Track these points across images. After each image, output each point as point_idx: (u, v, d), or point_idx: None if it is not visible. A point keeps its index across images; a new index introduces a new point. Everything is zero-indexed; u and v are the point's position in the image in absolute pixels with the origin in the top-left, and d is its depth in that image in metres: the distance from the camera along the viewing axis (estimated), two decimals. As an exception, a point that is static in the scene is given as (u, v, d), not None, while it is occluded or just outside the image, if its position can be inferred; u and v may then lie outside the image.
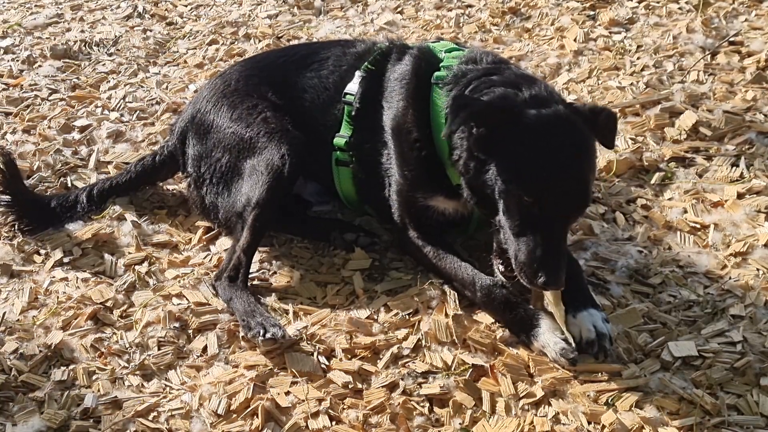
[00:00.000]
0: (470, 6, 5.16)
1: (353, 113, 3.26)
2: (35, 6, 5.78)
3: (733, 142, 3.68)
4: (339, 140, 3.28)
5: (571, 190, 2.62)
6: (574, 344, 2.65)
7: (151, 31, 5.32)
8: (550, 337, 2.68)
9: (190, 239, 3.46)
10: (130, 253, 3.38)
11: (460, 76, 2.96)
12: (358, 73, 3.29)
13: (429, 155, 3.00)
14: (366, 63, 3.30)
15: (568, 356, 2.63)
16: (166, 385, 2.78)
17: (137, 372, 2.83)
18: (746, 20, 4.59)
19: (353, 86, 3.27)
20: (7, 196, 3.51)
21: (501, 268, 2.77)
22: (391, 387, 2.68)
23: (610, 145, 2.81)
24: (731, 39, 4.39)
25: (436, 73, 3.04)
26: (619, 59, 4.37)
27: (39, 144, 4.11)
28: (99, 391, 2.75)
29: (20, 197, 3.53)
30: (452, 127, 2.70)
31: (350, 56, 3.42)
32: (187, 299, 3.10)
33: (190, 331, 2.98)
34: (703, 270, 3.07)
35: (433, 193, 3.04)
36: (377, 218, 3.42)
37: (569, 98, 4.06)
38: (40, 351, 2.91)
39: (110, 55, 5.05)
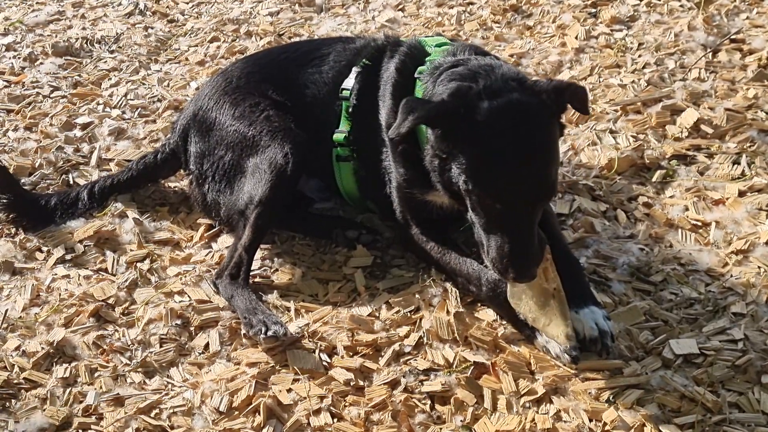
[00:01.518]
0: (471, 3, 5.15)
1: (350, 109, 3.26)
2: (37, 3, 5.78)
3: (735, 139, 3.68)
4: (338, 136, 3.28)
5: (530, 182, 2.57)
6: (577, 343, 2.65)
7: (152, 28, 5.32)
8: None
9: (192, 236, 3.46)
10: (131, 250, 3.39)
11: (435, 69, 2.94)
12: (354, 69, 3.30)
13: (413, 150, 2.97)
14: (362, 59, 3.30)
15: (572, 353, 2.63)
16: (168, 382, 2.79)
17: (139, 369, 2.84)
18: (747, 18, 4.58)
19: (350, 82, 3.28)
20: (6, 199, 3.51)
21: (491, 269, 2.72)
22: (393, 384, 2.68)
23: (585, 112, 2.78)
24: (733, 37, 4.38)
25: (420, 68, 3.04)
26: (621, 57, 4.36)
27: (41, 141, 4.11)
28: (101, 388, 2.76)
29: (19, 199, 3.54)
30: (399, 129, 2.63)
31: (349, 52, 3.43)
32: (188, 296, 3.11)
33: (192, 329, 2.99)
34: (705, 268, 3.07)
35: (428, 187, 3.02)
36: (379, 215, 3.42)
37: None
38: (42, 348, 2.92)
39: (112, 52, 5.05)
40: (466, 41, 4.42)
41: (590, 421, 2.51)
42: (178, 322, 3.00)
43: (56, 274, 3.29)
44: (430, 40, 3.22)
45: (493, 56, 3.07)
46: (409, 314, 2.94)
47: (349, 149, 3.28)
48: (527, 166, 2.56)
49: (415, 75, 3.02)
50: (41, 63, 4.92)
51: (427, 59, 3.06)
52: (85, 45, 5.12)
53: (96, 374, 2.82)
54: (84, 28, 5.37)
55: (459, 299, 2.94)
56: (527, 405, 2.59)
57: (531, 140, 2.59)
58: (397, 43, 3.29)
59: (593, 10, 4.84)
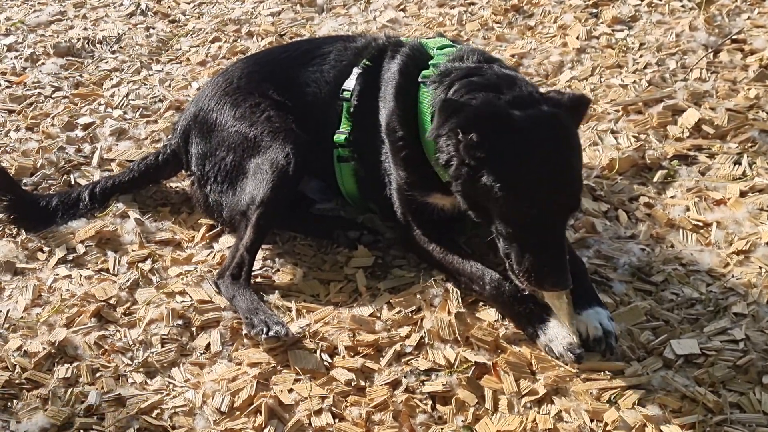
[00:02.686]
0: (473, 3, 5.15)
1: (351, 110, 3.26)
2: (38, 3, 5.79)
3: (736, 140, 3.68)
4: (339, 137, 3.28)
5: (568, 190, 2.62)
6: (579, 342, 2.65)
7: (153, 28, 5.33)
8: (559, 331, 2.68)
9: (193, 237, 3.46)
10: (133, 250, 3.39)
11: (444, 75, 2.93)
12: (355, 70, 3.29)
13: (415, 153, 2.98)
14: (363, 59, 3.30)
15: (576, 351, 2.63)
16: (169, 383, 2.79)
17: (141, 369, 2.84)
18: (749, 18, 4.58)
19: (350, 83, 3.27)
20: (7, 200, 3.52)
21: (524, 280, 2.66)
22: (394, 384, 2.68)
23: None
24: (734, 37, 4.38)
25: (424, 71, 3.03)
26: (622, 57, 4.36)
27: (42, 142, 4.12)
28: (102, 388, 2.76)
29: (20, 200, 3.54)
30: (440, 130, 2.66)
31: (350, 51, 3.42)
32: (190, 297, 3.11)
33: (194, 329, 2.99)
34: (706, 268, 3.07)
35: (429, 190, 3.03)
36: (380, 215, 3.42)
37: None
38: (44, 348, 2.92)
39: (113, 52, 5.05)
40: (466, 43, 4.41)
41: (591, 421, 2.51)
42: (180, 322, 3.00)
43: (58, 275, 3.29)
44: (432, 42, 3.21)
45: (500, 62, 3.08)
46: (410, 314, 2.94)
47: (350, 150, 3.28)
48: (568, 174, 2.62)
49: (420, 79, 3.02)
50: (43, 63, 4.93)
51: (430, 63, 3.05)
52: (87, 45, 5.12)
53: (97, 374, 2.82)
54: (85, 29, 5.37)
55: (460, 299, 2.95)
56: (528, 405, 2.59)
57: (568, 147, 2.66)
58: (399, 43, 3.28)
59: (594, 11, 4.84)
